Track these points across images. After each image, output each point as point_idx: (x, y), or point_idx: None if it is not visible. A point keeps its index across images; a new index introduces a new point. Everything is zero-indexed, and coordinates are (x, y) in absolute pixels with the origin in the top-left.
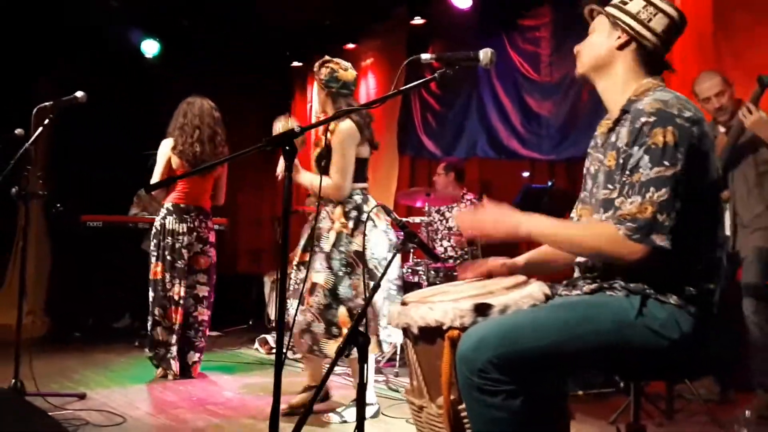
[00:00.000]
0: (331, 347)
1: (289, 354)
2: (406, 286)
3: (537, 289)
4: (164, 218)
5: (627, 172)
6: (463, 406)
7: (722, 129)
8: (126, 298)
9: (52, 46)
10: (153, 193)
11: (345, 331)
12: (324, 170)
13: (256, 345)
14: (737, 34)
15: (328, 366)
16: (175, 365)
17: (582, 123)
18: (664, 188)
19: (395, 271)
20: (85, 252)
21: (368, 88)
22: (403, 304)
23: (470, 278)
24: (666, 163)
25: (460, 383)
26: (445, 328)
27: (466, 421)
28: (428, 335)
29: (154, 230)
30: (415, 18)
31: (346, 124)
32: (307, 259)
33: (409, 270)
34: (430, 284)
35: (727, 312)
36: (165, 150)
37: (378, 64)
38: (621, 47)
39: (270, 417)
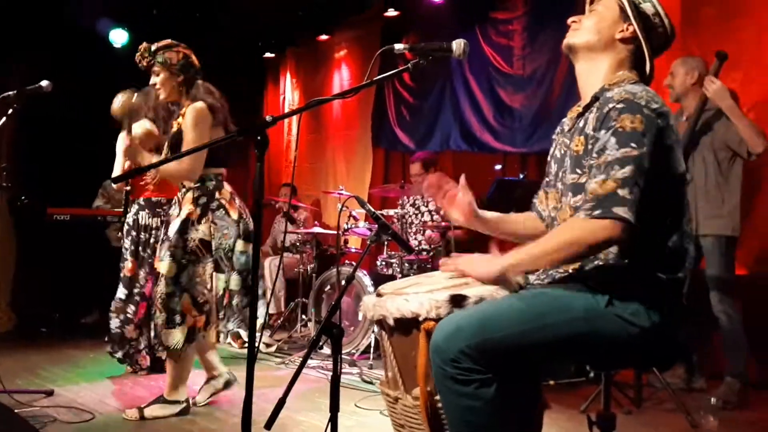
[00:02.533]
0: (173, 336)
1: (262, 348)
2: (380, 279)
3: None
4: (137, 214)
5: (594, 155)
6: (439, 396)
7: (684, 118)
8: (94, 292)
9: (18, 35)
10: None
11: (188, 318)
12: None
13: (229, 339)
14: (704, 30)
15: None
16: (143, 361)
17: (553, 116)
18: (628, 166)
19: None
20: (52, 246)
21: (342, 80)
22: (378, 295)
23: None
24: (633, 145)
25: (434, 373)
26: (421, 319)
27: (442, 412)
28: (404, 327)
29: (126, 227)
30: (389, 10)
31: (199, 105)
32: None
33: (383, 262)
34: (404, 276)
35: (694, 300)
36: (120, 142)
37: (352, 56)
38: (624, 40)
39: (243, 411)
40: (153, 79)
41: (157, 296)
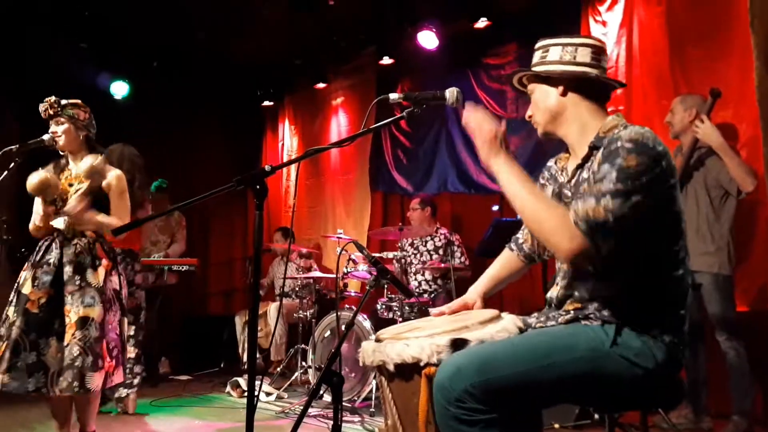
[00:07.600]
0: (96, 380)
1: (262, 396)
2: (381, 322)
3: (511, 322)
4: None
5: (592, 182)
6: None
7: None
8: None
9: (20, 88)
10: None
11: (105, 363)
12: (101, 207)
13: (228, 389)
14: (691, 68)
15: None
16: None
17: (548, 156)
18: (618, 200)
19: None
20: None
21: (339, 126)
22: (378, 340)
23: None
24: (629, 183)
25: (437, 413)
26: (422, 364)
27: None
28: (404, 372)
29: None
30: (384, 58)
31: (119, 173)
32: (51, 294)
33: (384, 306)
34: (404, 320)
35: (699, 337)
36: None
37: (348, 103)
38: (564, 93)
39: None
40: (55, 128)
41: (84, 339)
